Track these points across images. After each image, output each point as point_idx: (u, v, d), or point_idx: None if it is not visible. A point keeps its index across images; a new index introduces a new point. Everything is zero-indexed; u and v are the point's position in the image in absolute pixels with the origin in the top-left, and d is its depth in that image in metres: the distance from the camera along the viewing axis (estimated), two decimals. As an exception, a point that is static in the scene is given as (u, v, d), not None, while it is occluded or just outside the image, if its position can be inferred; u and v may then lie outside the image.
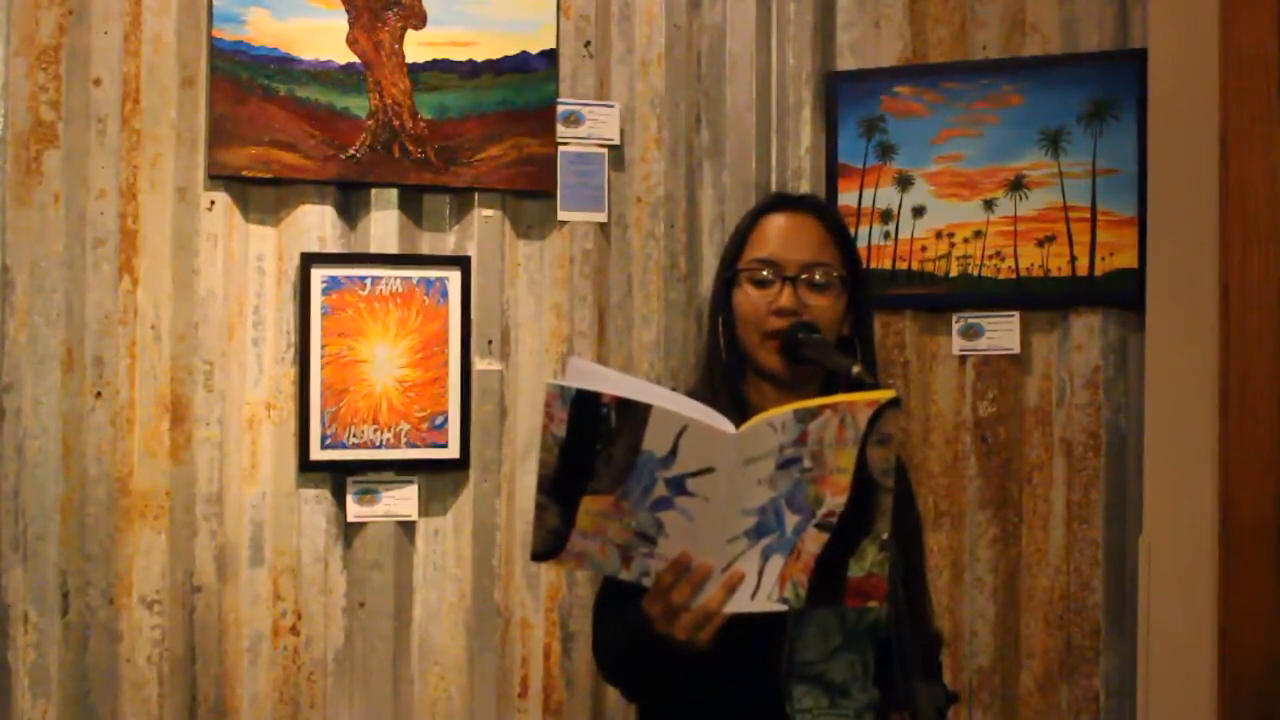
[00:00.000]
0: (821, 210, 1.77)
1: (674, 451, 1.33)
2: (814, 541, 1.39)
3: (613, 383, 1.35)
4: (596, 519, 1.35)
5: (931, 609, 1.86)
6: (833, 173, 2.78)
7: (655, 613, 1.42)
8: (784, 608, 1.42)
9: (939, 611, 2.67)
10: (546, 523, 1.35)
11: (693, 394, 1.79)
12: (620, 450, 1.33)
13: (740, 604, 1.41)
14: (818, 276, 1.69)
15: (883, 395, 1.38)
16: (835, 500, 1.38)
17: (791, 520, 1.39)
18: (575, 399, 1.31)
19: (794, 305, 1.66)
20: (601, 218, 2.71)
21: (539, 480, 1.34)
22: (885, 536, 1.39)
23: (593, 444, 1.32)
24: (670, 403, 1.34)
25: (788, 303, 1.67)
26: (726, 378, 1.72)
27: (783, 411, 1.37)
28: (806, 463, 1.37)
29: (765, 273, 1.69)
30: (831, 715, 1.65)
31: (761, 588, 1.41)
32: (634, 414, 1.32)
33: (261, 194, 2.55)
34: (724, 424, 1.35)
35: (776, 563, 1.40)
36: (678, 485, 1.35)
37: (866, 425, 1.37)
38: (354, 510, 2.55)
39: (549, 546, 1.36)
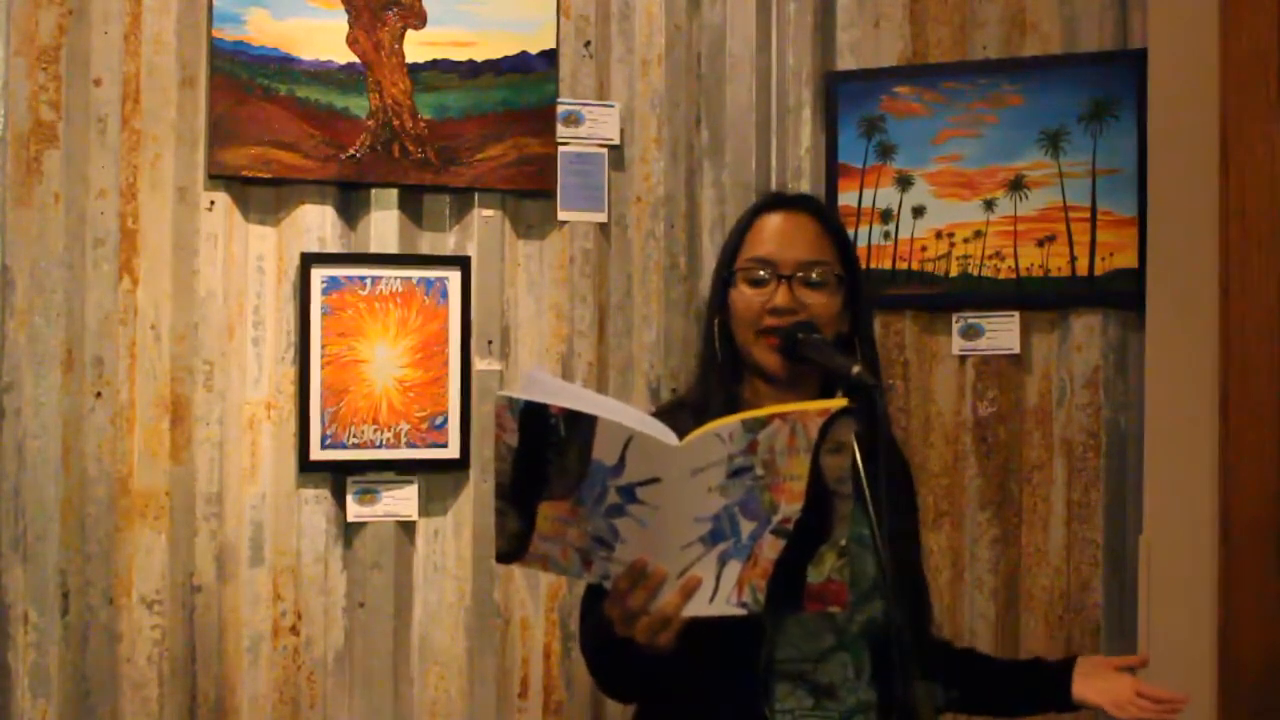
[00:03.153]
0: (817, 209, 1.77)
1: (622, 461, 1.35)
2: (771, 548, 1.41)
3: (565, 395, 1.37)
4: (555, 524, 1.38)
5: (929, 597, 1.86)
6: (833, 173, 2.78)
7: (614, 616, 1.44)
8: (743, 611, 1.43)
9: (939, 609, 2.67)
10: (508, 527, 1.38)
11: (687, 394, 1.80)
12: (572, 459, 1.35)
13: (698, 607, 1.42)
14: (814, 275, 1.68)
15: (834, 404, 1.38)
16: (791, 507, 1.39)
17: (747, 527, 1.40)
18: (524, 410, 1.33)
19: (790, 304, 1.67)
20: (601, 218, 2.72)
21: (496, 487, 1.37)
22: (844, 543, 1.40)
23: (545, 452, 1.35)
24: (617, 415, 1.36)
25: (783, 301, 1.67)
26: (722, 378, 1.72)
27: (730, 422, 1.38)
28: (759, 471, 1.38)
29: (761, 272, 1.69)
30: (815, 716, 1.65)
31: (720, 592, 1.42)
32: (581, 424, 1.34)
33: (261, 194, 2.55)
34: (668, 436, 1.37)
35: (734, 568, 1.41)
36: (628, 493, 1.37)
37: (819, 434, 1.37)
38: (354, 510, 2.55)
39: (511, 549, 1.39)
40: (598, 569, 1.40)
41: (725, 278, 1.74)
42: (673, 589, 1.41)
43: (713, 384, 1.72)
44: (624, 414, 1.37)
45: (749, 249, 1.72)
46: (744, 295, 1.70)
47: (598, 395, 1.45)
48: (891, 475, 1.75)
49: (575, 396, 1.38)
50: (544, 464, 1.35)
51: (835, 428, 1.37)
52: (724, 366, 1.73)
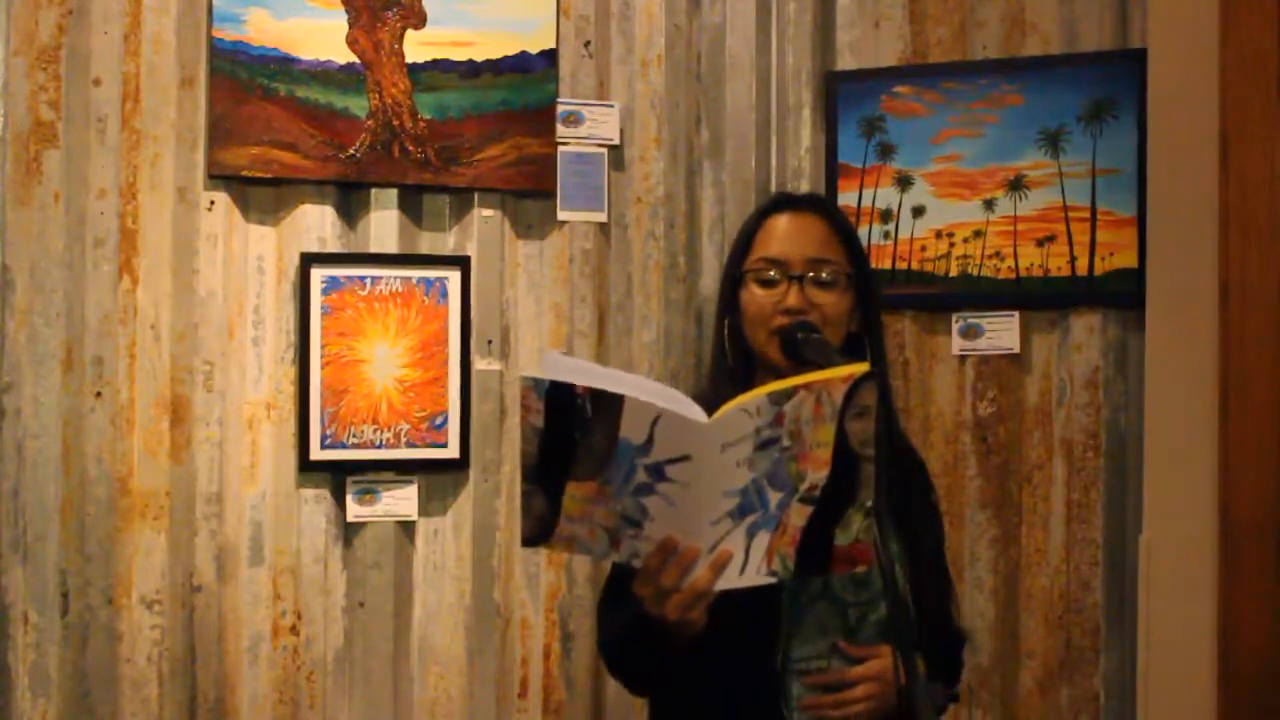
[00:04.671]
0: (826, 208, 1.78)
1: (650, 439, 1.35)
2: (799, 515, 1.41)
3: (588, 375, 1.36)
4: (582, 504, 1.37)
5: (955, 606, 1.84)
6: (833, 173, 2.78)
7: (645, 594, 1.44)
8: (774, 580, 1.44)
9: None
10: (533, 509, 1.37)
11: (700, 396, 1.80)
12: (598, 438, 1.34)
13: (729, 580, 1.43)
14: (823, 274, 1.69)
15: (857, 369, 1.39)
16: (817, 474, 1.40)
17: (774, 497, 1.41)
18: (550, 391, 1.33)
19: (800, 304, 1.67)
20: (601, 218, 2.71)
21: (522, 469, 1.36)
22: (870, 504, 1.41)
23: (571, 433, 1.34)
24: (644, 392, 1.35)
25: (794, 302, 1.67)
26: (734, 378, 1.72)
27: (756, 395, 1.38)
28: (785, 441, 1.39)
29: (771, 272, 1.70)
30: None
31: (749, 563, 1.43)
32: (608, 404, 1.33)
33: (261, 194, 2.55)
34: (696, 413, 1.37)
35: (763, 538, 1.42)
36: (657, 472, 1.36)
37: (843, 400, 1.38)
38: (354, 510, 2.55)
39: (537, 532, 1.38)
40: (626, 548, 1.40)
41: (735, 278, 1.74)
42: (704, 564, 1.41)
43: (724, 385, 1.72)
44: (651, 390, 1.37)
45: (758, 249, 1.72)
46: (755, 296, 1.70)
47: (620, 373, 1.45)
48: (906, 474, 1.75)
49: (598, 375, 1.37)
50: (570, 444, 1.34)
51: (859, 393, 1.38)
52: (735, 367, 1.73)
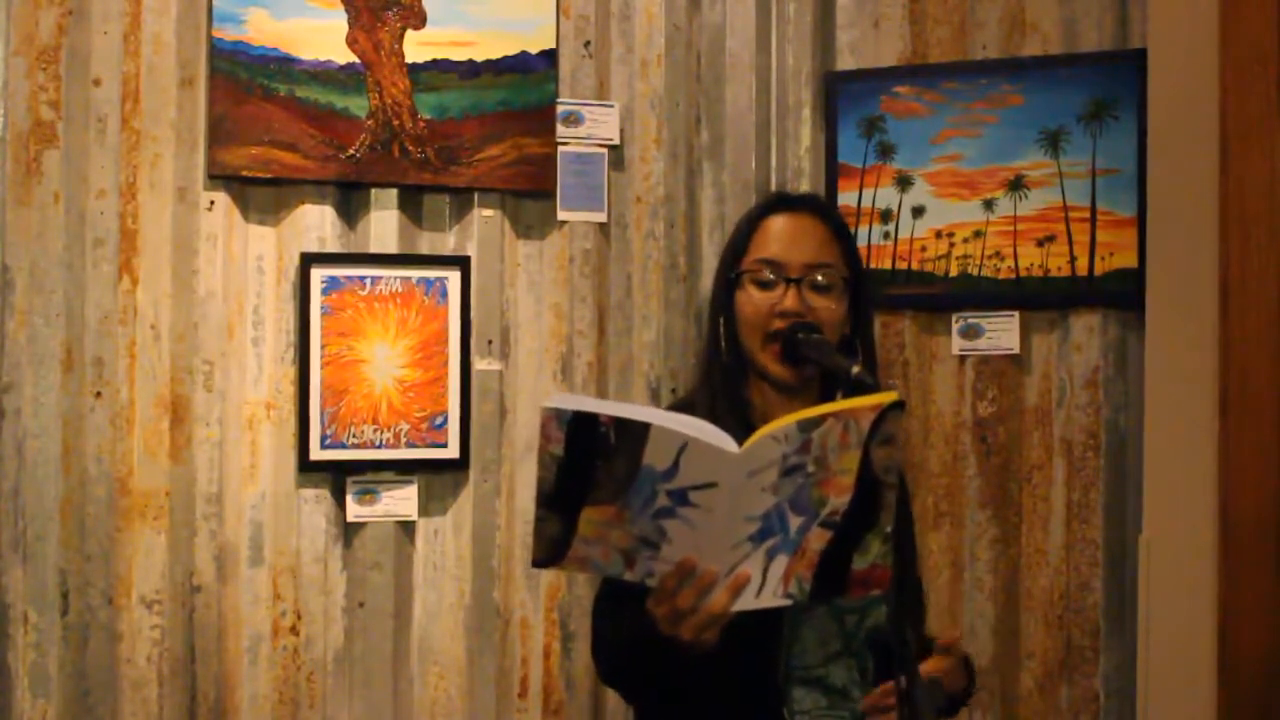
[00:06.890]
0: (824, 210, 1.77)
1: (675, 466, 1.34)
2: (818, 539, 1.41)
3: (605, 406, 1.35)
4: (598, 527, 1.36)
5: (924, 610, 1.85)
6: (833, 173, 2.78)
7: (660, 614, 1.43)
8: (789, 602, 1.43)
9: (938, 612, 2.67)
10: (547, 532, 1.36)
11: (693, 395, 1.80)
12: (620, 465, 1.33)
13: (745, 602, 1.42)
14: (820, 278, 1.68)
15: (886, 399, 1.39)
16: (839, 500, 1.40)
17: (795, 521, 1.40)
18: (572, 420, 1.31)
19: (798, 307, 1.66)
20: (601, 218, 2.71)
21: (538, 495, 1.35)
22: (889, 530, 1.40)
23: (592, 460, 1.33)
24: (668, 421, 1.35)
25: (792, 305, 1.66)
26: (727, 379, 1.71)
27: (786, 423, 1.37)
28: (810, 468, 1.38)
29: (768, 274, 1.69)
30: (830, 717, 1.65)
31: (766, 585, 1.42)
32: (633, 432, 1.32)
33: (261, 194, 2.55)
34: (726, 442, 1.36)
35: (781, 561, 1.41)
36: (680, 496, 1.36)
37: (870, 428, 1.38)
38: (354, 510, 2.55)
39: (550, 555, 1.37)
40: (641, 568, 1.40)
41: (730, 279, 1.73)
42: (722, 587, 1.40)
43: (717, 385, 1.71)
44: (673, 420, 1.36)
45: (755, 250, 1.71)
46: (751, 298, 1.69)
47: (635, 405, 1.44)
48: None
49: (615, 407, 1.36)
50: (590, 471, 1.33)
51: (885, 421, 1.38)
52: (729, 368, 1.72)
